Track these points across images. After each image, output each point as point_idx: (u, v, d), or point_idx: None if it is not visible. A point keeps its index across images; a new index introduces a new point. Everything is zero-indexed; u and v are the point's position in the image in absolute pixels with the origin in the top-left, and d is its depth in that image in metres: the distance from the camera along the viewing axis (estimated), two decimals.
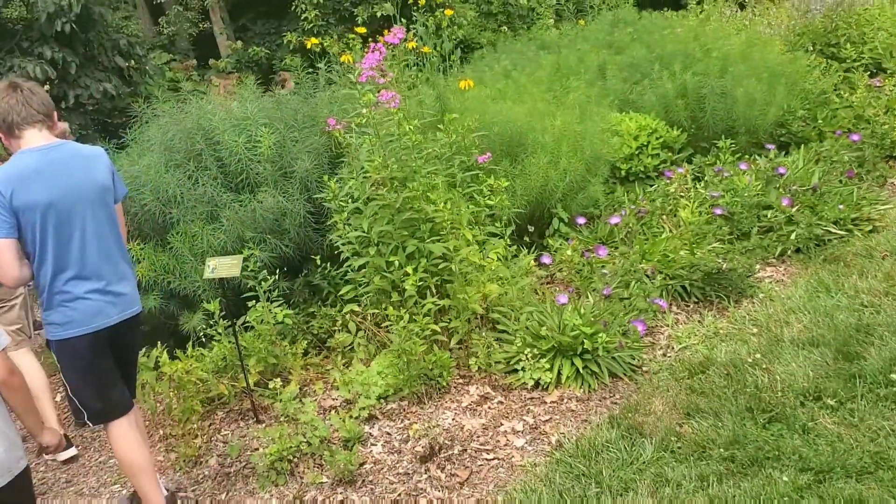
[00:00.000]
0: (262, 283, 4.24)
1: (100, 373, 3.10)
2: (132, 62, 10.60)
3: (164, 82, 11.60)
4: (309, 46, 6.63)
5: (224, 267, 3.94)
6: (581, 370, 3.72)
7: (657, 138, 6.15)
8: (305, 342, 4.52)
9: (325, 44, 13.10)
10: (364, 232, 4.08)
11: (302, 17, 13.53)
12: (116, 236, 3.16)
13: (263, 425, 3.99)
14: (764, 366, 3.60)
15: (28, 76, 9.02)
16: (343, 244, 4.22)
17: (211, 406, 4.26)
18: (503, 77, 8.03)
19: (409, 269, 3.95)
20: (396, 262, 4.02)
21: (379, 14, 13.39)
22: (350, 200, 4.33)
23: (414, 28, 6.99)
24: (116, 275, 3.13)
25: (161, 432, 4.22)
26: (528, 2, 15.53)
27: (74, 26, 9.34)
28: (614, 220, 4.92)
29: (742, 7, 11.31)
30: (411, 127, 4.05)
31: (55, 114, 3.13)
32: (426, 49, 6.15)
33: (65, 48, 9.52)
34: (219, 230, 4.60)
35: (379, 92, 4.36)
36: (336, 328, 4.61)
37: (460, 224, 4.13)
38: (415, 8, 7.17)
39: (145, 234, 4.87)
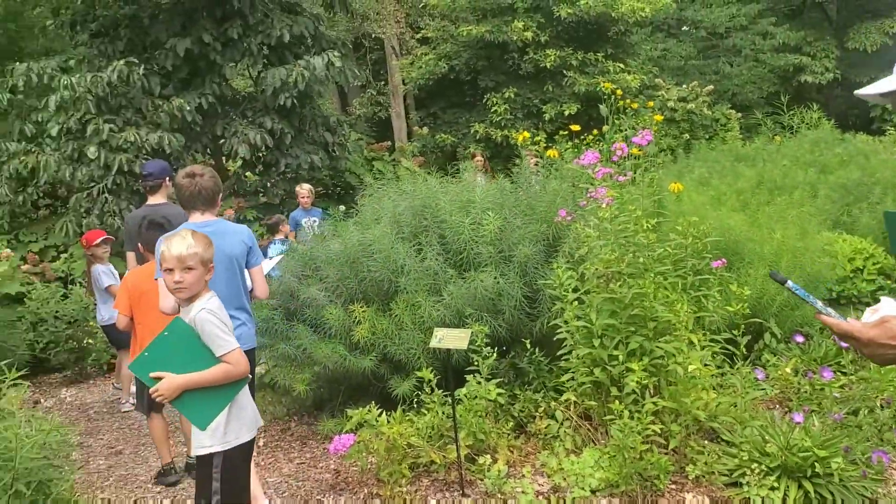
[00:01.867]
0: (485, 359, 4.36)
1: None
2: (337, 138, 11.35)
3: (361, 159, 12.32)
4: (520, 141, 6.92)
5: (451, 338, 4.10)
6: (811, 494, 3.57)
7: (874, 263, 5.94)
8: (510, 423, 4.58)
9: (512, 136, 13.59)
10: (590, 323, 4.15)
11: (492, 110, 14.20)
12: (237, 290, 4.05)
13: (470, 499, 4.05)
14: None
15: (249, 142, 9.88)
16: (566, 332, 4.29)
17: (416, 472, 4.37)
18: (699, 184, 8.04)
19: (634, 366, 3.96)
20: (620, 357, 4.04)
21: (566, 112, 13.83)
22: (571, 290, 4.42)
23: (623, 130, 7.18)
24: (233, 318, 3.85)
25: (366, 490, 4.35)
26: (712, 113, 15.54)
27: (295, 101, 10.15)
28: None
29: None
30: (648, 225, 4.13)
31: (218, 197, 4.14)
32: (635, 150, 6.27)
33: (283, 120, 10.34)
34: (440, 303, 4.81)
35: (595, 189, 4.51)
36: (538, 414, 4.66)
37: (685, 327, 4.12)
38: (625, 112, 7.39)
39: (369, 297, 5.15)
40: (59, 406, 6.68)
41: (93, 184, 8.94)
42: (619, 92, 6.62)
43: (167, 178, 5.64)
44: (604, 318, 4.14)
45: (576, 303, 4.23)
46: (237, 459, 3.10)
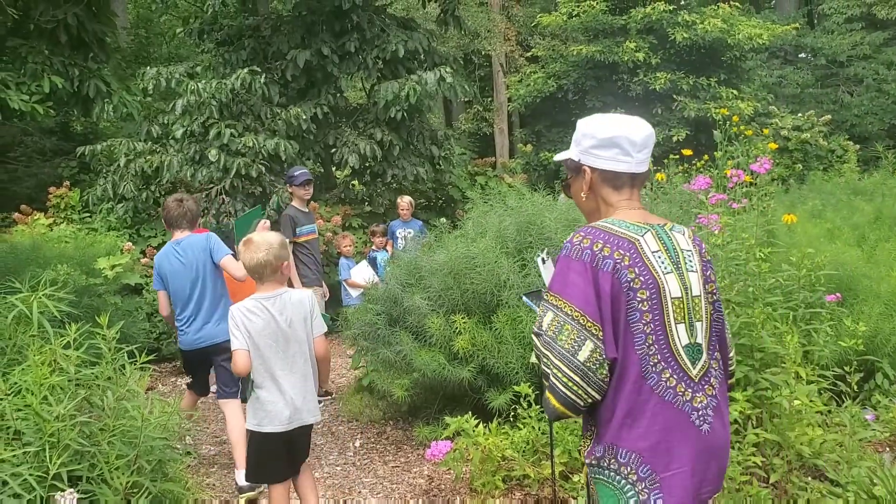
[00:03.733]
0: None
1: (193, 372, 5.19)
2: (442, 152, 11.53)
3: (464, 173, 12.47)
4: None
5: None
6: None
7: None
8: None
9: None
10: None
11: None
12: (206, 291, 4.89)
13: None
14: None
15: (359, 152, 10.16)
16: None
17: (509, 485, 4.42)
18: (812, 216, 7.81)
19: (738, 395, 3.90)
20: None
21: (675, 137, 13.63)
22: None
23: (735, 157, 7.03)
24: (206, 316, 4.89)
25: (459, 499, 4.43)
26: (828, 143, 15.00)
27: (406, 114, 10.38)
28: None
29: None
30: (762, 255, 4.07)
31: (199, 218, 5.15)
32: (748, 178, 6.16)
33: (392, 132, 10.58)
34: None
35: (707, 214, 4.47)
36: None
37: (793, 360, 4.03)
38: (738, 139, 7.26)
39: (470, 309, 5.23)
40: (173, 393, 7.04)
41: (211, 185, 9.39)
42: (735, 118, 6.51)
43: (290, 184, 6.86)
44: None
45: None
46: (260, 443, 3.62)
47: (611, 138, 2.19)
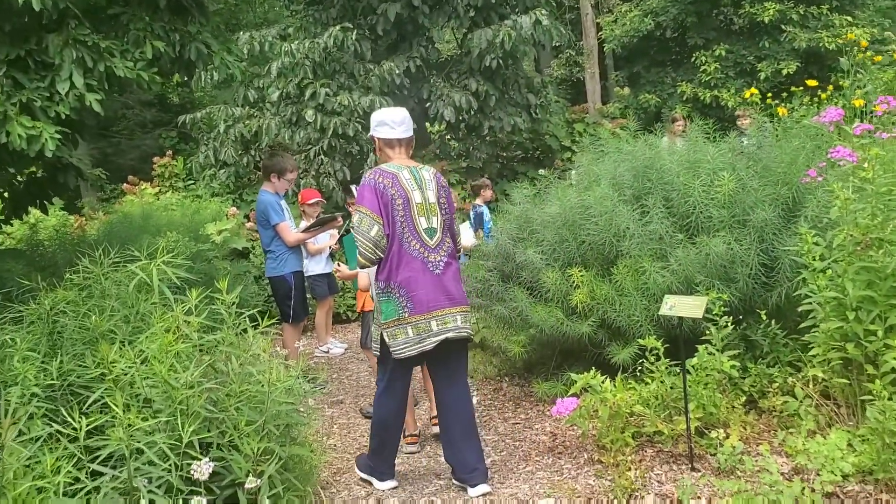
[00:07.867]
0: (721, 329, 4.10)
1: None
2: (539, 100, 11.18)
3: (562, 121, 12.09)
4: (747, 96, 6.43)
5: (684, 307, 3.88)
6: None
7: None
8: (741, 398, 4.30)
9: (722, 97, 12.81)
10: (842, 294, 3.77)
11: (700, 70, 13.43)
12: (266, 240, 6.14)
13: (699, 474, 3.84)
14: None
15: (454, 104, 9.93)
16: (814, 303, 3.93)
17: (639, 441, 4.22)
18: None
19: (895, 342, 3.56)
20: (878, 332, 3.65)
21: (784, 72, 12.83)
22: (818, 258, 4.03)
23: (863, 86, 6.49)
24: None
25: (586, 456, 4.26)
26: None
27: (501, 61, 10.07)
28: None
29: None
30: None
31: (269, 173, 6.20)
32: (877, 108, 5.64)
33: (487, 82, 10.30)
34: (666, 269, 4.58)
35: (848, 147, 4.07)
36: (771, 390, 4.34)
37: None
38: (864, 67, 6.68)
39: (587, 261, 5.00)
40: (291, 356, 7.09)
41: (309, 146, 9.38)
42: (864, 43, 5.95)
43: None
44: (861, 289, 3.75)
45: (825, 272, 3.86)
46: None
47: (381, 120, 4.04)
